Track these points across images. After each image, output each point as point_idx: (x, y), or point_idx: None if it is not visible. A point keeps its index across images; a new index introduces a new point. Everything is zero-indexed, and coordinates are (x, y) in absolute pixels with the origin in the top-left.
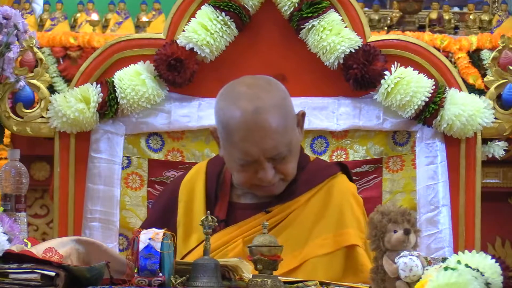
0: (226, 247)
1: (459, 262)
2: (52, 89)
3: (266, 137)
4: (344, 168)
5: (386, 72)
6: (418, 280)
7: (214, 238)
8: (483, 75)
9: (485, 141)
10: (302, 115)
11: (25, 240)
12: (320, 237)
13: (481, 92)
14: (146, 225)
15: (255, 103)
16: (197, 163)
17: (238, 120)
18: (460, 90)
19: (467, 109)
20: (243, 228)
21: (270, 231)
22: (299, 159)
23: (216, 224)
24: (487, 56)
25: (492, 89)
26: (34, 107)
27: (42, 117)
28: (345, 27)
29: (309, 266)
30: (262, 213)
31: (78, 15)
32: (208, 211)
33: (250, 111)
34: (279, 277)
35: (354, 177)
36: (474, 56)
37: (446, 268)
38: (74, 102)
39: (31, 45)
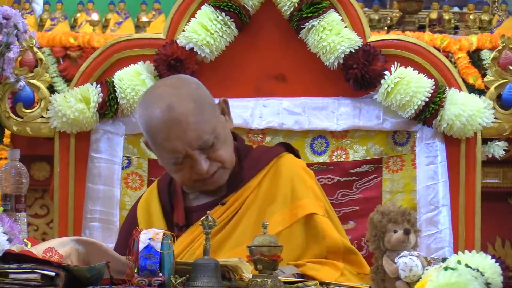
0: (191, 246)
1: (459, 262)
2: (52, 89)
3: (186, 129)
4: (289, 147)
5: (386, 72)
6: (418, 280)
7: (178, 242)
8: (483, 75)
9: (485, 141)
10: (224, 102)
11: (25, 240)
12: (276, 214)
13: (481, 92)
14: (115, 250)
15: (167, 100)
16: None
17: (155, 120)
18: (460, 90)
19: (467, 109)
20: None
21: (230, 222)
22: (241, 148)
23: (216, 224)
24: (487, 56)
25: (492, 89)
26: (34, 107)
27: (42, 117)
28: (345, 27)
29: None
30: (218, 206)
31: (78, 15)
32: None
33: (165, 110)
34: (279, 278)
35: (354, 177)
36: (474, 56)
37: (446, 268)
38: (74, 102)
39: (31, 45)
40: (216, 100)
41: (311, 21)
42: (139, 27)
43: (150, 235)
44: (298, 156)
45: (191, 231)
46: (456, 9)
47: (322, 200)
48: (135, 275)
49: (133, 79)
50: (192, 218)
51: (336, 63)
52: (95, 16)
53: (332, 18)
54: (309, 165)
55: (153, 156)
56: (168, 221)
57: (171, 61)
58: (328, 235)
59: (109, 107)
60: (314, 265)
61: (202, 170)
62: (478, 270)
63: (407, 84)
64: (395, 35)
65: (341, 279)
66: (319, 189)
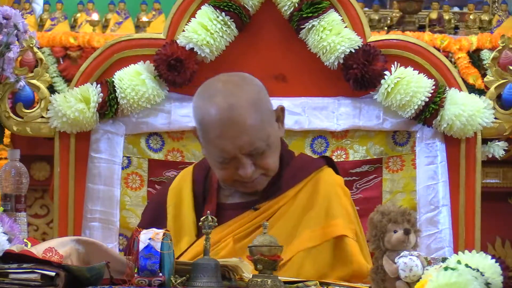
0: (217, 246)
1: (459, 262)
2: (52, 89)
3: (241, 133)
4: (329, 161)
5: (386, 72)
6: (418, 280)
7: (203, 239)
8: (483, 75)
9: (485, 141)
10: (281, 110)
11: (25, 240)
12: (308, 230)
13: (481, 92)
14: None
15: (228, 100)
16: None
17: (212, 117)
18: (460, 90)
19: (467, 109)
20: (233, 227)
21: (259, 228)
22: (284, 155)
23: (216, 224)
24: (487, 56)
25: (492, 89)
26: (34, 107)
27: (42, 117)
28: (345, 27)
29: (298, 258)
30: (250, 211)
31: (78, 15)
32: (209, 212)
33: (224, 108)
34: (279, 277)
35: (354, 177)
36: (474, 56)
37: (446, 268)
38: (74, 102)
39: (31, 45)
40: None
41: (311, 21)
42: (139, 27)
43: (150, 235)
44: (337, 170)
45: (217, 232)
46: (456, 9)
47: (354, 222)
48: (135, 275)
49: (133, 79)
50: (222, 215)
51: (336, 63)
52: (95, 16)
53: (332, 18)
54: None
55: (153, 156)
56: (198, 214)
57: (171, 61)
58: (356, 260)
59: (109, 107)
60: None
61: (246, 174)
62: (478, 270)
63: (407, 84)
64: (395, 35)
65: None
66: (353, 210)
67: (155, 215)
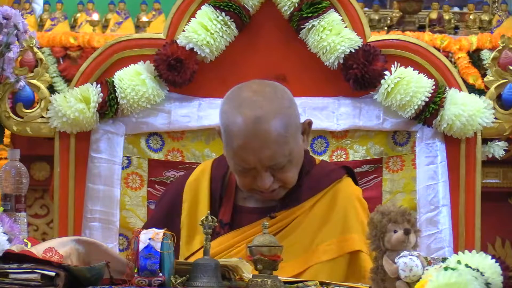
0: (230, 251)
1: (459, 262)
2: (52, 89)
3: (264, 147)
4: (349, 171)
5: (386, 72)
6: (418, 280)
7: (218, 241)
8: (483, 75)
9: (485, 141)
10: (308, 124)
11: (25, 240)
12: (324, 243)
13: (481, 92)
14: (148, 224)
15: (256, 112)
16: (197, 163)
17: (238, 127)
18: (460, 90)
19: (467, 109)
20: (248, 233)
21: (275, 236)
22: (304, 163)
23: (216, 224)
24: (487, 56)
25: (492, 89)
26: (34, 107)
27: (42, 117)
28: (345, 27)
29: (312, 271)
30: (267, 218)
31: (78, 15)
32: (209, 212)
33: (251, 120)
34: (279, 277)
35: None
36: (474, 56)
37: (446, 268)
38: (74, 102)
39: (31, 45)
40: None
41: (311, 21)
42: (139, 27)
43: (150, 235)
44: (356, 181)
45: (232, 236)
46: (456, 9)
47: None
48: (135, 275)
49: (133, 79)
50: (238, 218)
51: (336, 63)
52: (95, 16)
53: (332, 18)
54: None
55: (153, 156)
56: (213, 213)
57: (171, 61)
58: (368, 275)
59: (109, 107)
60: None
61: (264, 187)
62: (478, 270)
63: (407, 84)
64: (395, 35)
65: None
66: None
67: (171, 207)
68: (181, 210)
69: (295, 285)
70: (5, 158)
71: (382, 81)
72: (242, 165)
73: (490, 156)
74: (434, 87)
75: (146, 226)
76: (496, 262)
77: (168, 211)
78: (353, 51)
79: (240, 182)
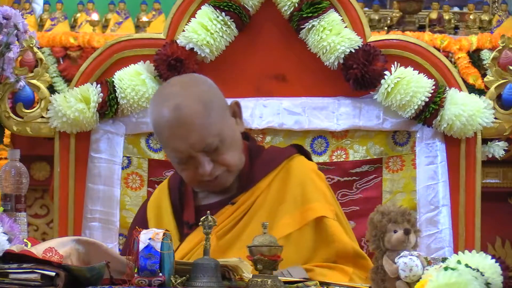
0: (199, 247)
1: (459, 262)
2: (52, 89)
3: (191, 131)
4: (301, 149)
5: (386, 72)
6: (418, 280)
7: (187, 240)
8: (483, 75)
9: (485, 141)
10: (236, 105)
11: (25, 240)
12: (285, 217)
13: (481, 92)
14: (123, 252)
15: (175, 100)
16: None
17: (162, 119)
18: (460, 90)
19: (467, 109)
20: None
21: (240, 222)
22: (252, 148)
23: (216, 224)
24: (487, 56)
25: (492, 89)
26: (34, 107)
27: (42, 117)
28: (345, 27)
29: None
30: (228, 206)
31: (78, 15)
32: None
33: (172, 109)
34: (279, 277)
35: (354, 177)
36: (474, 56)
37: (446, 268)
38: (74, 102)
39: (31, 45)
40: (229, 102)
41: (311, 21)
42: (139, 27)
43: (150, 235)
44: (309, 158)
45: (200, 230)
46: (456, 9)
47: (333, 204)
48: (135, 275)
49: (133, 79)
50: (202, 217)
51: (336, 63)
52: (95, 16)
53: (332, 18)
54: None
55: (153, 156)
56: (178, 219)
57: (171, 61)
58: (338, 238)
59: (109, 107)
60: (322, 270)
61: (205, 172)
62: (478, 270)
63: (407, 84)
64: (395, 35)
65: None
66: (329, 192)
67: None
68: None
69: (295, 285)
70: (5, 158)
71: (382, 81)
72: (177, 156)
73: (490, 156)
74: (434, 87)
75: (123, 252)
76: (496, 262)
77: None
78: (353, 51)
79: (185, 177)
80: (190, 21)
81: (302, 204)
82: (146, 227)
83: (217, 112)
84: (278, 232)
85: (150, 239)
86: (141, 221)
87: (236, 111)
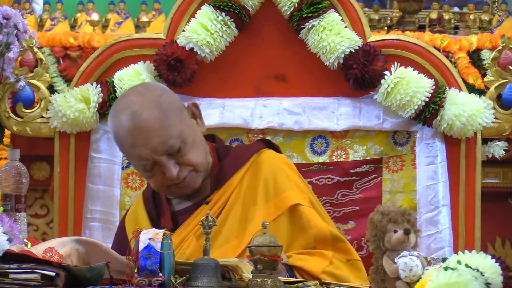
0: (180, 247)
1: (459, 262)
2: (52, 89)
3: (150, 136)
4: (268, 143)
5: (386, 72)
6: (418, 280)
7: None
8: (483, 75)
9: (485, 141)
10: (194, 105)
11: (25, 240)
12: (260, 210)
13: (481, 92)
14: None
15: (131, 109)
16: None
17: (121, 129)
18: (460, 90)
19: (467, 109)
20: (191, 225)
21: (216, 219)
22: (219, 148)
23: (216, 224)
24: (487, 56)
25: (492, 89)
26: (34, 107)
27: (42, 117)
28: (345, 27)
29: None
30: (203, 206)
31: (78, 15)
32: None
33: (128, 117)
34: (279, 277)
35: (354, 177)
36: (474, 56)
37: (446, 268)
38: (74, 102)
39: (31, 45)
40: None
41: (311, 21)
42: (139, 27)
43: (150, 235)
44: (278, 151)
45: (178, 233)
46: (456, 9)
47: (306, 192)
48: (135, 275)
49: (133, 79)
50: (178, 222)
51: (336, 63)
52: (95, 16)
53: (332, 18)
54: (309, 165)
55: None
56: (156, 228)
57: (171, 61)
58: (314, 224)
59: (109, 107)
60: (301, 256)
61: (172, 175)
62: (478, 270)
63: (407, 84)
64: (395, 35)
65: (330, 268)
66: (301, 181)
67: (119, 245)
68: (128, 241)
69: (295, 285)
70: (5, 158)
71: (382, 81)
72: (142, 163)
73: (490, 156)
74: (434, 87)
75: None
76: (496, 262)
77: (120, 248)
78: (353, 51)
79: (153, 184)
80: (190, 21)
81: (275, 195)
82: (125, 241)
83: (174, 114)
84: (254, 226)
85: (150, 239)
86: (121, 235)
87: (195, 112)
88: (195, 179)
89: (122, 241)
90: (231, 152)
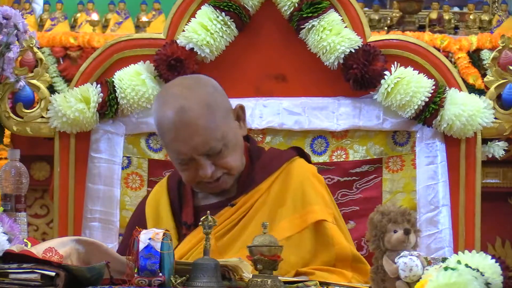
0: (198, 247)
1: (459, 262)
2: (52, 89)
3: (194, 134)
4: (300, 152)
5: (386, 72)
6: (418, 280)
7: (186, 240)
8: (483, 75)
9: (485, 141)
10: (240, 108)
11: (25, 240)
12: (285, 220)
13: (481, 92)
14: (119, 249)
15: (180, 102)
16: None
17: (166, 121)
18: (460, 90)
19: (467, 109)
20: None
21: (239, 224)
22: (252, 150)
23: (216, 224)
24: (487, 56)
25: (492, 89)
26: (34, 107)
27: (42, 117)
28: (345, 27)
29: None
30: (227, 208)
31: (78, 15)
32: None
33: (176, 111)
34: (279, 277)
35: (354, 177)
36: (474, 56)
37: (446, 268)
38: (74, 102)
39: (31, 45)
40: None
41: (311, 21)
42: (139, 27)
43: (150, 235)
44: (309, 161)
45: (199, 231)
46: (456, 9)
47: (332, 207)
48: (135, 275)
49: (133, 79)
50: (200, 217)
51: (336, 63)
52: (95, 16)
53: (332, 18)
54: None
55: (153, 156)
56: (177, 219)
57: (171, 61)
58: (337, 242)
59: (109, 107)
60: (323, 274)
61: (206, 175)
62: (478, 270)
63: (407, 84)
64: (395, 35)
65: None
66: (328, 196)
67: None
68: (147, 227)
69: (295, 285)
70: (5, 158)
71: (382, 81)
72: (179, 157)
73: (490, 156)
74: (434, 87)
75: (118, 251)
76: (496, 262)
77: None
78: (353, 51)
79: (185, 177)
80: (190, 21)
81: (301, 207)
82: (144, 226)
83: (221, 115)
84: (278, 234)
85: (150, 239)
86: (138, 219)
87: (240, 115)
88: (227, 181)
89: (139, 225)
90: (263, 156)
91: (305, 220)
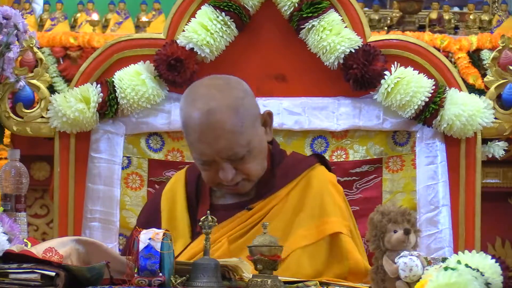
0: (211, 248)
1: (459, 262)
2: (52, 89)
3: (219, 137)
4: (321, 159)
5: (386, 72)
6: (418, 280)
7: (199, 240)
8: (483, 75)
9: (485, 141)
10: (268, 115)
11: (25, 240)
12: (302, 228)
13: (481, 92)
14: (127, 246)
15: (209, 104)
16: None
17: (193, 120)
18: (460, 90)
19: (467, 109)
20: (227, 228)
21: (254, 228)
22: (274, 154)
23: (216, 224)
24: (487, 56)
25: (492, 89)
26: (34, 107)
27: (42, 117)
28: (345, 27)
29: (294, 257)
30: (244, 211)
31: (78, 15)
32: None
33: (204, 112)
34: (279, 277)
35: (354, 177)
36: (474, 56)
37: (446, 268)
38: (74, 102)
39: (31, 45)
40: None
41: (311, 21)
42: (139, 27)
43: (150, 235)
44: (330, 168)
45: (212, 232)
46: (456, 9)
47: (348, 219)
48: (135, 275)
49: (133, 79)
50: (216, 216)
51: (336, 63)
52: (95, 16)
53: (332, 18)
54: None
55: (153, 156)
56: (192, 216)
57: (171, 61)
58: (352, 256)
59: (109, 107)
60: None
61: (227, 178)
62: (478, 270)
63: (407, 84)
64: (395, 35)
65: None
66: (346, 207)
67: (148, 219)
68: (160, 219)
69: (295, 285)
70: (5, 158)
71: (382, 81)
72: (202, 158)
73: (490, 156)
74: (434, 87)
75: (126, 246)
76: (496, 262)
77: (147, 223)
78: (353, 51)
79: (205, 176)
80: (190, 21)
81: (319, 217)
82: (157, 217)
83: (249, 121)
84: (294, 243)
85: (150, 239)
86: (153, 209)
87: (267, 121)
88: (245, 186)
89: (152, 215)
90: (285, 161)
91: (322, 230)
